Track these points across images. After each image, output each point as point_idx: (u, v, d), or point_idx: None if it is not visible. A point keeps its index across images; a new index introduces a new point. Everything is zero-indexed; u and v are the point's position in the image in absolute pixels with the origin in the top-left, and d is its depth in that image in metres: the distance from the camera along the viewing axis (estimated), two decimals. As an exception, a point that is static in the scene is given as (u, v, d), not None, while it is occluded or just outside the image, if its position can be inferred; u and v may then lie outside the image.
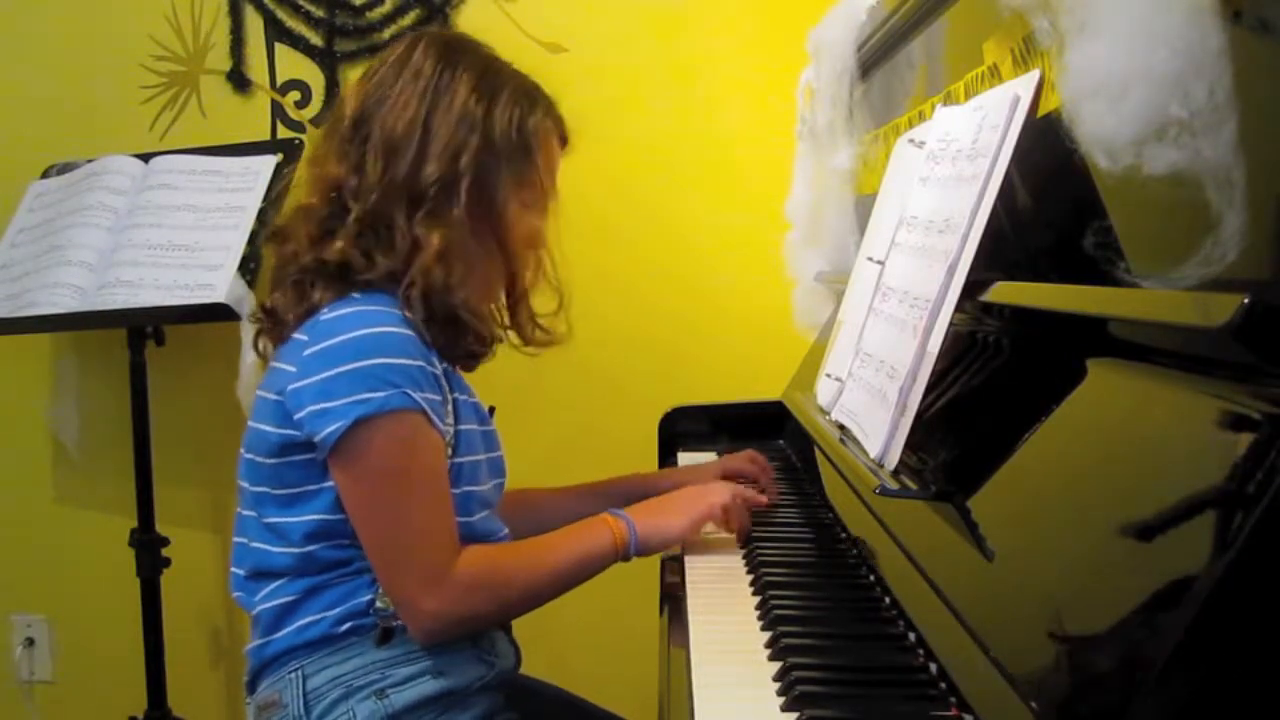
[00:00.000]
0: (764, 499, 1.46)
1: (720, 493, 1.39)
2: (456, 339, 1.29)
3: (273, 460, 1.25)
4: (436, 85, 1.28)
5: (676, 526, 1.35)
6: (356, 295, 1.25)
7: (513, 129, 1.30)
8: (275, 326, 1.29)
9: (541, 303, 1.44)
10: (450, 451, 1.26)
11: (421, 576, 1.21)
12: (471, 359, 1.35)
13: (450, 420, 1.27)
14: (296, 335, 1.25)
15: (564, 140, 1.40)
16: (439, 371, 1.26)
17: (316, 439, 1.20)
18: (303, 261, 1.27)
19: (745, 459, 1.61)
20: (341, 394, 1.19)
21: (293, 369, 1.23)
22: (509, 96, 1.31)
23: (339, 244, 1.25)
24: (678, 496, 1.40)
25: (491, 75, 1.31)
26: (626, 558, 1.31)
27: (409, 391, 1.20)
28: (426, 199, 1.26)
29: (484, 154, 1.28)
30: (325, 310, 1.24)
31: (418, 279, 1.24)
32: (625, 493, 1.53)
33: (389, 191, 1.26)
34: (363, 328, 1.21)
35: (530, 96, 1.33)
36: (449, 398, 1.27)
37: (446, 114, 1.27)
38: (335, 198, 1.28)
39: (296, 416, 1.21)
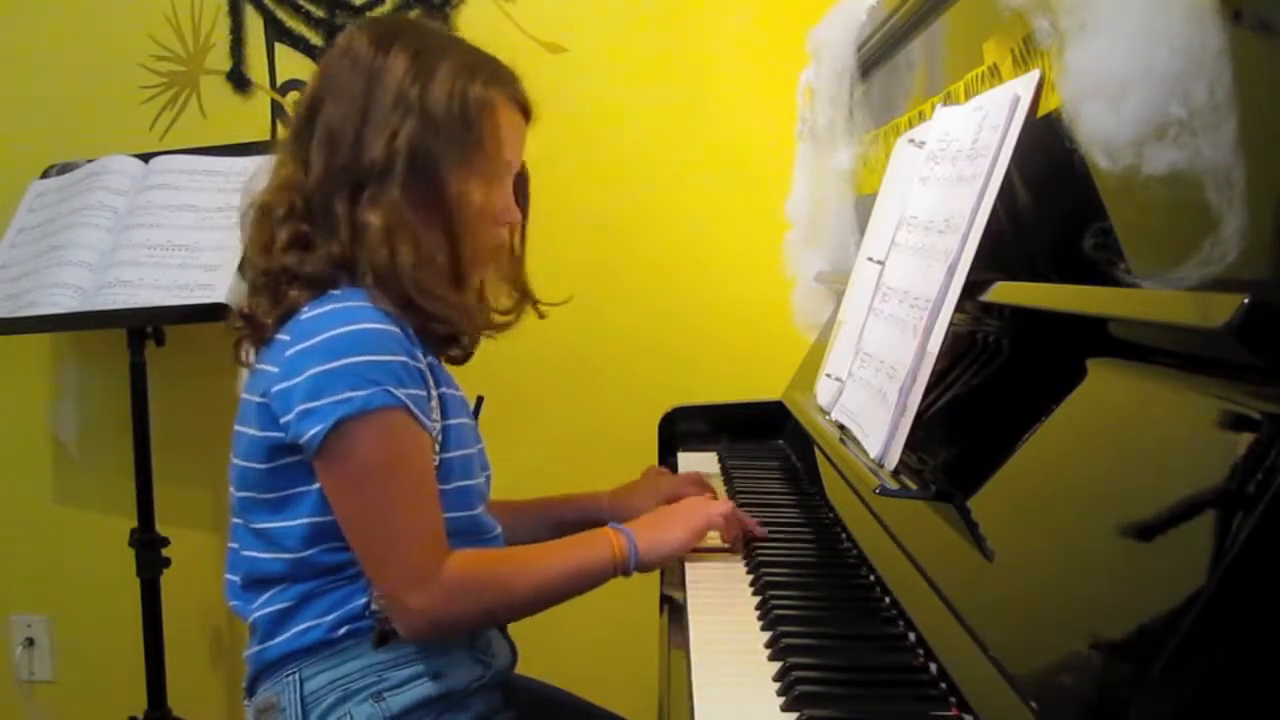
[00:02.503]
0: (760, 530, 1.40)
1: (720, 505, 1.38)
2: (424, 326, 1.26)
3: (260, 465, 1.24)
4: (371, 69, 1.26)
5: (676, 539, 1.31)
6: (336, 292, 1.23)
7: (452, 103, 1.25)
8: (255, 331, 1.27)
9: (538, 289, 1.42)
10: (440, 447, 1.26)
11: (409, 575, 1.20)
12: (448, 346, 1.32)
13: (437, 416, 1.25)
14: (279, 336, 1.24)
15: (524, 109, 1.35)
16: (424, 366, 1.24)
17: (301, 441, 1.19)
18: (260, 265, 1.27)
19: (687, 481, 1.57)
20: (323, 394, 1.18)
21: (275, 370, 1.22)
22: (447, 70, 1.26)
23: (283, 237, 1.25)
24: (677, 509, 1.37)
25: (428, 51, 1.28)
26: (626, 573, 1.29)
27: (391, 389, 1.18)
28: (368, 183, 1.24)
29: (422, 131, 1.24)
30: (306, 309, 1.23)
31: (368, 265, 1.22)
32: (561, 517, 1.51)
33: (332, 181, 1.25)
34: (343, 325, 1.20)
35: (471, 68, 1.28)
36: (434, 393, 1.25)
37: (383, 96, 1.25)
38: (288, 197, 1.27)
39: (282, 420, 1.20)
